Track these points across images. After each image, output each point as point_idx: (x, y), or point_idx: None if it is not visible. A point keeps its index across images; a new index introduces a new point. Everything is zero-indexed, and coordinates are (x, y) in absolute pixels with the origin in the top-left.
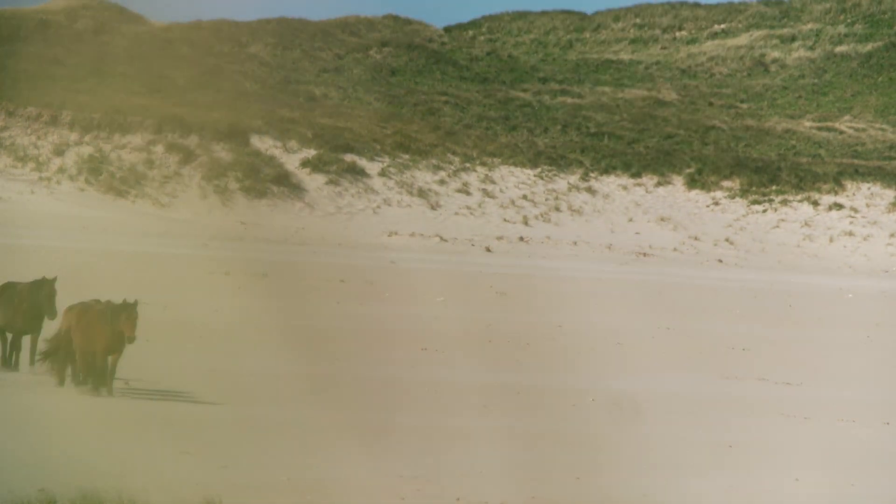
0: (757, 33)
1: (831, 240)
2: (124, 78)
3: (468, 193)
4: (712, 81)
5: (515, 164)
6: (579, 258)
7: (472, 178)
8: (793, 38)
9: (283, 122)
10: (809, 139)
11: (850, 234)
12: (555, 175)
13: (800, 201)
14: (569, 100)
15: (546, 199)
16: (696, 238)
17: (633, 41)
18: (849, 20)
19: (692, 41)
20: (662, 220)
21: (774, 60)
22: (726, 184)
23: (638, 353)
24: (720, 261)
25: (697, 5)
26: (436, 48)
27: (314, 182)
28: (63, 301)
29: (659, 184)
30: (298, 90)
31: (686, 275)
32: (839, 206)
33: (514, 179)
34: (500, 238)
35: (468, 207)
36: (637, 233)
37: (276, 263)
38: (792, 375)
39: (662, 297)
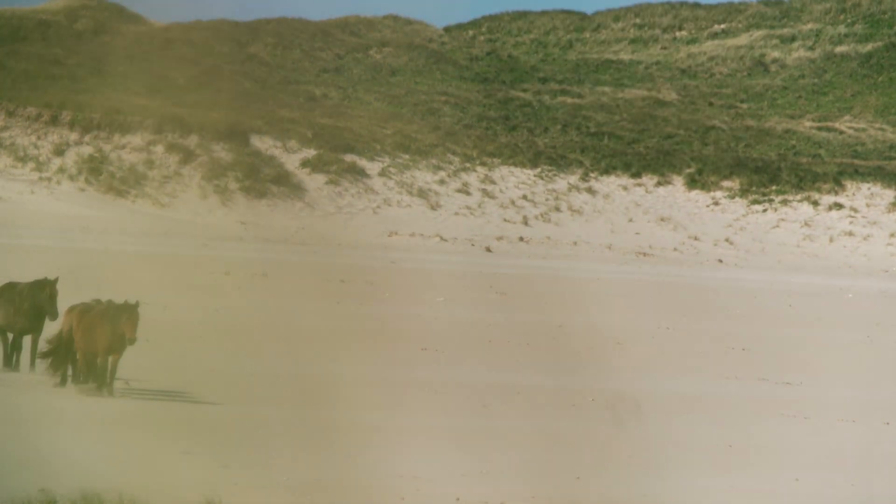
0: (757, 33)
1: (831, 240)
2: (124, 78)
3: (468, 193)
4: (712, 81)
5: (515, 164)
6: (579, 258)
7: (472, 178)
8: (793, 38)
9: (283, 122)
10: (809, 139)
11: (850, 234)
12: (555, 175)
13: (800, 201)
14: (569, 100)
15: (546, 199)
16: (696, 238)
17: (633, 41)
18: (849, 20)
19: (692, 41)
20: (662, 220)
21: (774, 60)
22: (726, 184)
23: (638, 353)
24: (720, 261)
25: (697, 5)
26: (436, 48)
27: (314, 182)
28: (63, 301)
29: (659, 184)
30: (298, 90)
31: (686, 275)
32: (839, 206)
33: (514, 179)
34: (500, 238)
35: (468, 207)
36: (637, 233)
37: (276, 263)
38: (792, 375)
39: (662, 297)
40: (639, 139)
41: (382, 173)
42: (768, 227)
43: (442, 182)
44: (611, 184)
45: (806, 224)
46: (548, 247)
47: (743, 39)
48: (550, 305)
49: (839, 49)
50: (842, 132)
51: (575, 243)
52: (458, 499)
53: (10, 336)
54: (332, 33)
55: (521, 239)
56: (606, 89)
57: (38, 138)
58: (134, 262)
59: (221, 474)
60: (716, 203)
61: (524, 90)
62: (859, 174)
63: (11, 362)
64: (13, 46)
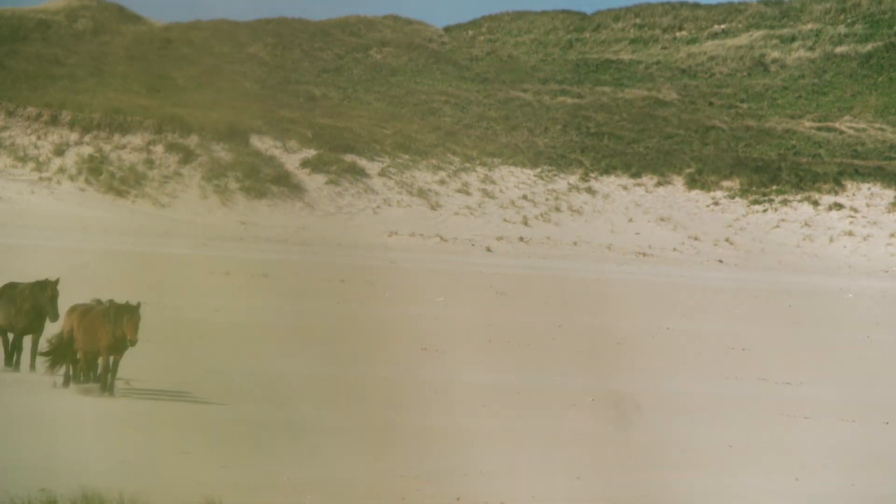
0: (757, 33)
1: (831, 240)
2: (124, 78)
3: (468, 193)
4: (712, 81)
5: (515, 164)
6: (579, 258)
7: (472, 178)
8: (793, 38)
9: (282, 122)
10: (809, 139)
11: (850, 234)
12: (555, 175)
13: (800, 201)
14: (569, 100)
15: (546, 200)
16: (696, 238)
17: (633, 41)
18: (849, 20)
19: (692, 41)
20: (662, 220)
21: (774, 60)
22: (726, 184)
23: (638, 353)
24: (720, 261)
25: (697, 5)
26: (436, 48)
27: (314, 182)
28: (63, 301)
29: (659, 184)
30: (298, 90)
31: (686, 275)
32: (839, 206)
33: (514, 179)
34: (500, 238)
35: (468, 207)
36: (637, 233)
37: (276, 263)
38: (792, 375)
39: (662, 297)
40: (639, 139)
41: (382, 173)
42: (768, 227)
43: (442, 182)
44: (611, 184)
45: (806, 224)
46: (548, 247)
47: (743, 39)
48: (550, 305)
49: (839, 49)
50: (842, 132)
51: (575, 243)
52: (458, 499)
53: (11, 336)
54: (332, 33)
55: (521, 239)
56: (606, 89)
57: (38, 138)
58: (134, 262)
59: (221, 474)
60: (716, 203)
61: (524, 90)
62: (859, 174)
63: (12, 362)
64: (13, 46)
